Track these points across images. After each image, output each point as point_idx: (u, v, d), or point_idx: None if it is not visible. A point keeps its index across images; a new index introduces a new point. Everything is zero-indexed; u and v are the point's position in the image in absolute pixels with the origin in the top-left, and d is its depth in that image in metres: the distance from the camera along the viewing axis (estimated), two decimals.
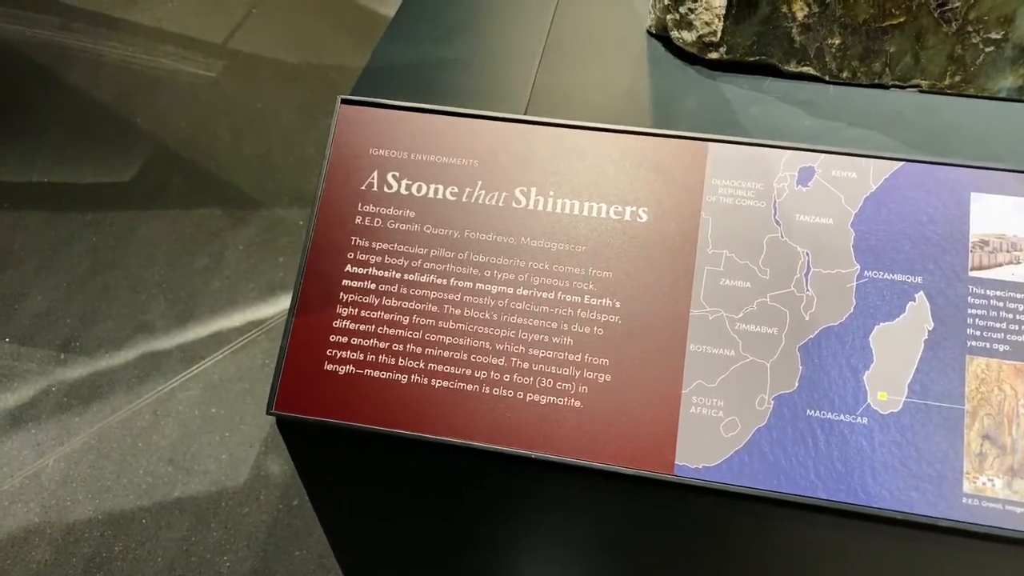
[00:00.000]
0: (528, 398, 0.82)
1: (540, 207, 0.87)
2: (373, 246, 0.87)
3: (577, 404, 0.81)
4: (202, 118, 2.45)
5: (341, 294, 0.86)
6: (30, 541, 1.57)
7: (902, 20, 0.92)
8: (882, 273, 0.81)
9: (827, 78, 0.99)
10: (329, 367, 0.84)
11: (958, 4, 0.90)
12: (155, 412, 1.77)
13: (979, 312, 0.79)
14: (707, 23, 0.97)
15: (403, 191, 0.88)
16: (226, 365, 1.85)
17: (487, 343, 0.83)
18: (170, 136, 2.40)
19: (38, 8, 2.77)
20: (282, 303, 1.98)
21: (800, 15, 0.95)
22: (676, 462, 0.79)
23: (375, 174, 0.89)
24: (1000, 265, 0.80)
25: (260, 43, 2.69)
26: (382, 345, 0.84)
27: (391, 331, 0.85)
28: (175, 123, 2.44)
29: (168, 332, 1.93)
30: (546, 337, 0.83)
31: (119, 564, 1.54)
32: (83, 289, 2.01)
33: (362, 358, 0.84)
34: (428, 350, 0.84)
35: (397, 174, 0.89)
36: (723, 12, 0.95)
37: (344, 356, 0.84)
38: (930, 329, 0.79)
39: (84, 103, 2.48)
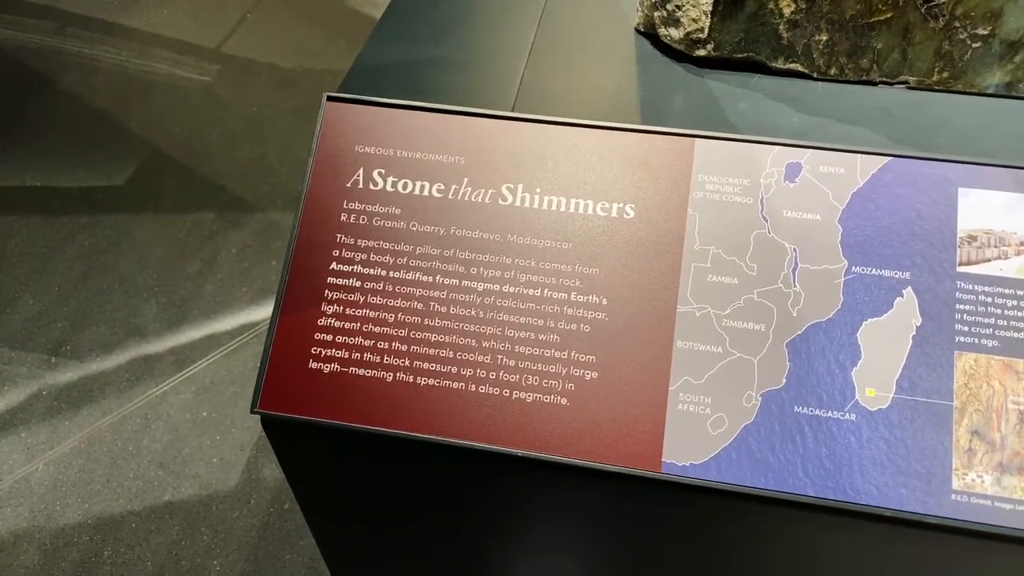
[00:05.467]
0: (514, 396, 0.81)
1: (527, 204, 0.86)
2: (358, 244, 0.87)
3: (564, 402, 0.80)
4: (196, 122, 2.45)
5: (326, 292, 0.85)
6: (19, 545, 1.56)
7: (889, 16, 0.92)
8: (870, 269, 0.81)
9: (815, 75, 0.99)
10: (314, 365, 0.84)
11: (944, 0, 0.90)
12: (146, 416, 1.76)
13: (967, 308, 0.78)
14: (694, 20, 0.97)
15: (389, 188, 0.88)
16: (217, 368, 1.85)
17: (473, 341, 0.83)
18: (164, 140, 2.40)
19: (33, 13, 2.77)
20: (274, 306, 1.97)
21: (787, 12, 0.94)
22: (663, 459, 0.78)
23: (361, 171, 0.89)
24: (988, 260, 0.80)
25: (254, 48, 2.69)
26: (367, 343, 0.84)
27: (376, 329, 0.84)
28: (169, 127, 2.44)
29: (160, 335, 1.92)
30: (532, 334, 0.82)
31: (108, 569, 1.53)
32: (75, 293, 2.00)
33: (347, 356, 0.83)
34: (414, 348, 0.83)
35: (383, 171, 0.89)
36: (710, 9, 0.95)
37: (329, 354, 0.84)
38: (918, 325, 0.79)
39: (79, 107, 2.48)
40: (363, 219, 0.87)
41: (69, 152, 2.36)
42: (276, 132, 2.43)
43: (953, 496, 0.74)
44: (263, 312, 1.97)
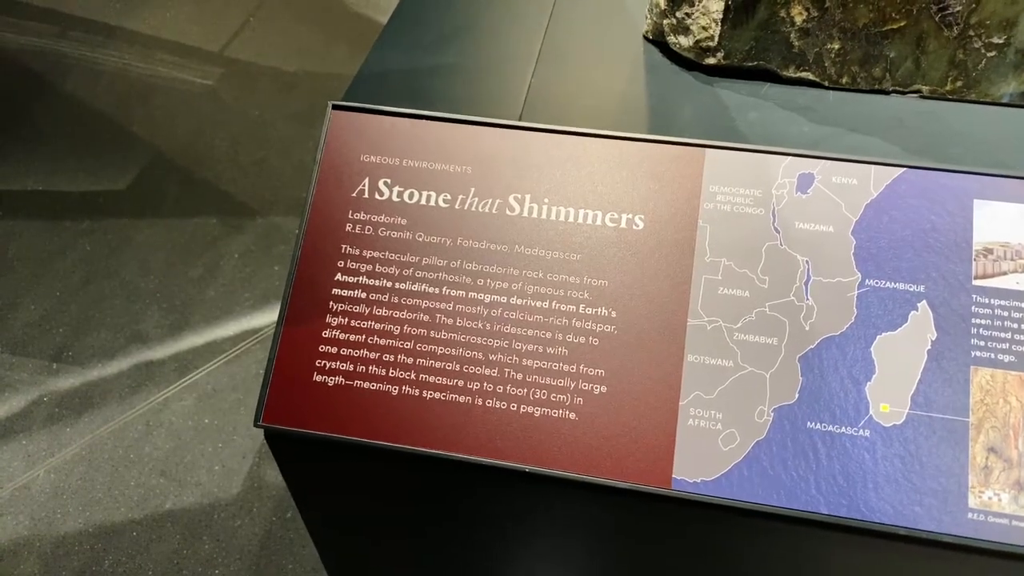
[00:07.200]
0: (522, 410, 0.80)
1: (534, 215, 0.85)
2: (364, 254, 0.85)
3: (572, 416, 0.79)
4: (199, 126, 2.44)
5: (331, 303, 0.84)
6: (19, 554, 1.55)
7: (902, 24, 0.91)
8: (884, 282, 0.79)
9: (826, 83, 0.98)
10: (318, 378, 0.82)
11: (959, 8, 0.88)
12: (147, 423, 1.75)
13: (983, 322, 0.77)
14: (704, 28, 0.96)
15: (395, 198, 0.87)
16: (220, 375, 1.83)
17: (480, 353, 0.81)
18: (166, 144, 2.39)
19: (36, 16, 2.76)
20: (277, 312, 1.96)
21: (799, 20, 0.93)
22: (673, 476, 0.77)
23: (366, 181, 0.88)
24: (1004, 274, 0.78)
25: (257, 52, 2.68)
26: (372, 355, 0.82)
27: (381, 341, 0.83)
28: (172, 131, 2.43)
29: (162, 342, 1.91)
30: (540, 347, 0.81)
31: None
32: (77, 298, 1.99)
33: (352, 369, 0.82)
34: (419, 361, 0.82)
35: (389, 181, 0.87)
36: (720, 17, 0.94)
37: (333, 367, 0.82)
38: (933, 339, 0.77)
39: (81, 111, 2.47)
40: (368, 229, 0.86)
41: (71, 156, 2.35)
42: (278, 136, 2.42)
43: (969, 515, 0.73)
44: (265, 318, 1.96)
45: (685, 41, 0.99)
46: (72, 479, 1.66)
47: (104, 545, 1.56)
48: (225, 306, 1.98)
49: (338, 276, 0.85)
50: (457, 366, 0.81)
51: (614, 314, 0.81)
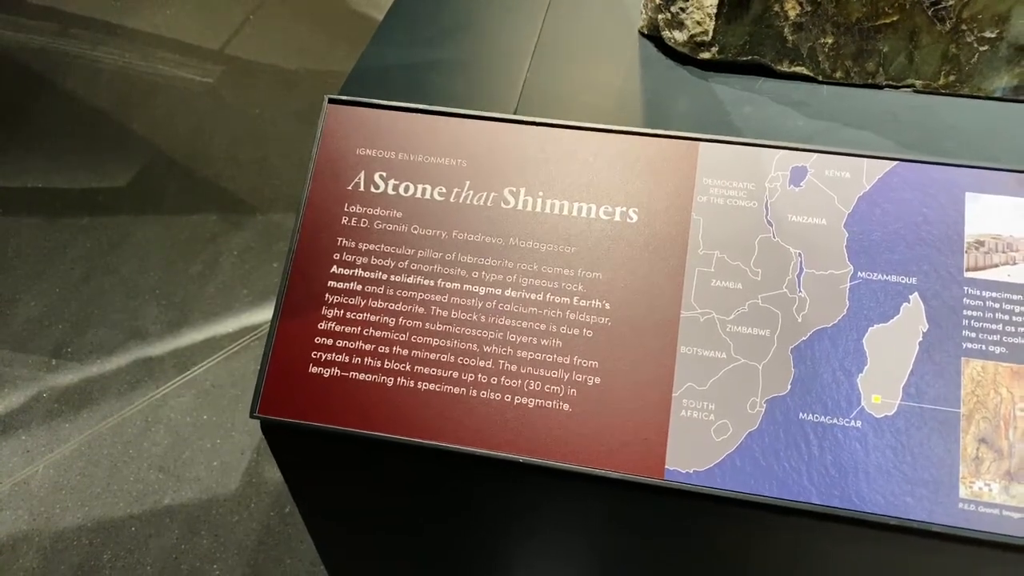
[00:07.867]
0: (516, 401, 0.80)
1: (529, 207, 0.85)
2: (359, 247, 0.86)
3: (566, 407, 0.80)
4: (199, 124, 2.45)
5: (327, 296, 0.85)
6: (18, 549, 1.55)
7: (895, 19, 0.91)
8: (876, 274, 0.80)
9: (820, 78, 0.98)
10: (314, 370, 0.83)
11: (952, 2, 0.89)
12: (146, 419, 1.76)
13: (975, 314, 0.78)
14: (698, 23, 0.96)
15: (390, 191, 0.87)
16: (219, 371, 1.84)
17: (474, 345, 0.82)
18: (167, 142, 2.40)
19: (36, 14, 2.77)
20: None
21: (792, 14, 0.94)
22: (666, 466, 0.77)
23: (362, 174, 0.88)
24: (996, 266, 0.79)
25: (257, 50, 2.69)
26: (367, 347, 0.83)
27: (377, 333, 0.83)
28: (172, 129, 2.44)
29: (161, 338, 1.91)
30: (534, 339, 0.81)
31: (108, 572, 1.52)
32: (76, 294, 2.00)
33: (347, 360, 0.83)
34: (414, 352, 0.82)
35: (384, 174, 0.88)
36: (714, 11, 0.94)
37: (329, 358, 0.83)
38: (925, 331, 0.78)
39: (81, 109, 2.48)
40: (364, 222, 0.86)
41: (71, 153, 2.36)
42: (278, 134, 2.42)
43: (960, 505, 0.73)
44: (264, 314, 1.97)
45: (680, 36, 1.00)
46: (71, 475, 1.67)
47: (103, 540, 1.57)
48: (224, 302, 1.99)
49: (334, 269, 0.85)
50: (452, 358, 0.82)
51: (608, 306, 0.82)
